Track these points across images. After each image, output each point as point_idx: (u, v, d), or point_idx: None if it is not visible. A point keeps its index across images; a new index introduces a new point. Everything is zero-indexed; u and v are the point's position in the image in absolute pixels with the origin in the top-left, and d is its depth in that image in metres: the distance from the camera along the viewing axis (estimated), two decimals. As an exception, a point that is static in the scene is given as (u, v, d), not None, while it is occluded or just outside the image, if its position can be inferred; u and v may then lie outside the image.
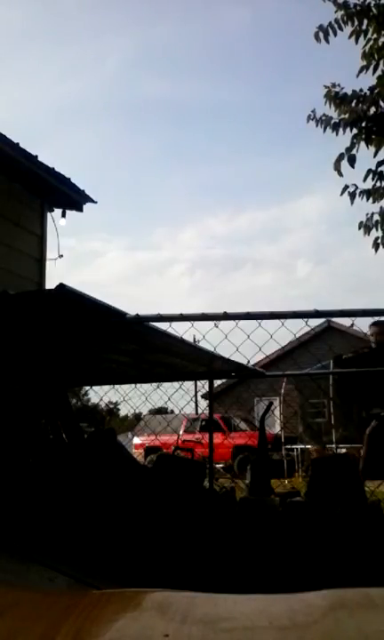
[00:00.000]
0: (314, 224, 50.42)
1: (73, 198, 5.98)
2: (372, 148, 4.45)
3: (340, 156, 4.39)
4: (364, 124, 4.43)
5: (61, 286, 2.77)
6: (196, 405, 15.63)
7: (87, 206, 6.24)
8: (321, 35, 4.37)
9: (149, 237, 64.07)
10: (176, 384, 5.09)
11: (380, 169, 4.45)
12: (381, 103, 4.49)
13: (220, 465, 10.55)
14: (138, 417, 14.45)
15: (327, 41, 4.37)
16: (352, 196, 4.51)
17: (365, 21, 4.41)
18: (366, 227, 4.56)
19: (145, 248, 61.59)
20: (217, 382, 7.07)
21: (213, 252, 54.87)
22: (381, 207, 4.54)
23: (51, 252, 6.00)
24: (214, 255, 55.41)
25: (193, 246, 57.87)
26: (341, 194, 4.53)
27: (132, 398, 6.31)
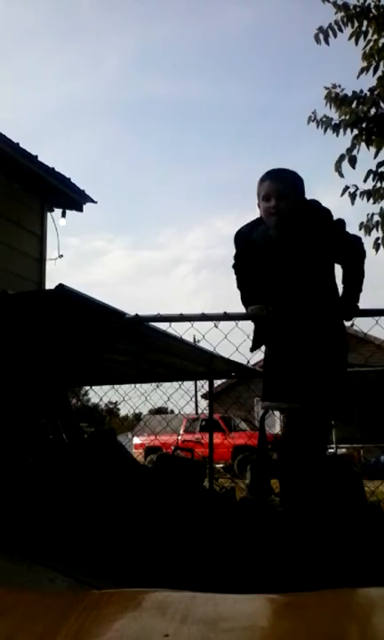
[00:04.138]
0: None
1: (73, 198, 5.99)
2: (373, 149, 4.46)
3: (341, 157, 4.40)
4: (364, 125, 4.44)
5: (61, 286, 2.77)
6: (196, 405, 15.65)
7: (89, 206, 6.25)
8: (321, 36, 4.37)
9: (154, 237, 64.24)
10: (176, 384, 5.10)
11: (380, 170, 4.46)
12: (382, 104, 4.50)
13: (220, 465, 10.55)
14: (138, 417, 14.46)
15: (327, 42, 4.37)
16: (352, 196, 4.52)
17: (365, 23, 4.41)
18: (367, 227, 4.57)
19: (150, 248, 61.77)
20: (217, 382, 7.08)
21: (219, 252, 54.89)
22: (382, 208, 4.54)
23: (52, 252, 6.02)
24: (220, 255, 55.39)
25: (199, 246, 57.96)
26: (342, 194, 4.54)
27: (131, 398, 6.32)
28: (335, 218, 2.63)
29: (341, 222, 2.64)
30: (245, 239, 2.71)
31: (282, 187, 2.53)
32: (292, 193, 2.54)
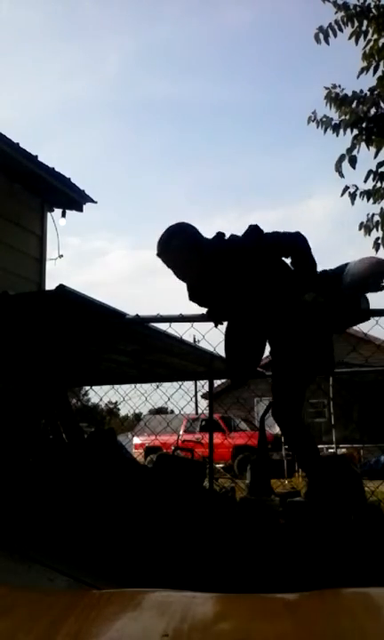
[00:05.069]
0: (320, 223, 50.44)
1: (73, 198, 5.99)
2: (373, 149, 4.46)
3: (341, 157, 4.40)
4: (364, 125, 4.43)
5: (61, 287, 2.78)
6: (196, 405, 15.64)
7: (90, 206, 6.25)
8: (321, 36, 4.37)
9: (156, 237, 64.00)
10: (176, 384, 5.10)
11: (380, 170, 4.45)
12: (382, 104, 4.50)
13: (220, 465, 10.55)
14: (138, 417, 14.46)
15: (327, 42, 4.37)
16: (352, 196, 4.51)
17: (365, 22, 4.41)
18: (367, 227, 4.57)
19: (151, 248, 61.65)
20: (217, 382, 7.07)
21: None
22: (382, 208, 4.54)
23: (52, 252, 6.02)
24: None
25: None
26: (342, 194, 4.54)
27: (132, 398, 6.31)
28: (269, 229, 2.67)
29: (254, 231, 2.65)
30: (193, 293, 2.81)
31: (176, 265, 2.63)
32: (188, 262, 2.61)
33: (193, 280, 2.63)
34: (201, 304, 2.85)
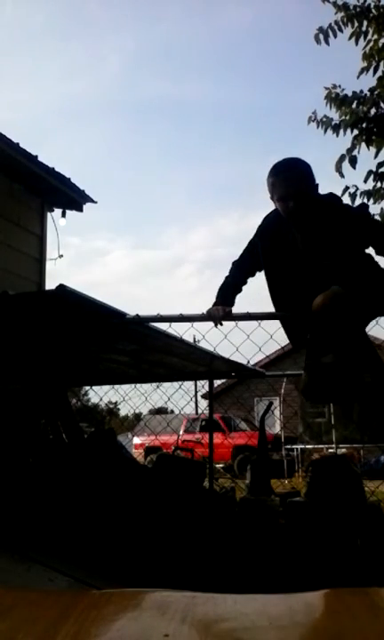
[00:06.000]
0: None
1: (73, 198, 5.99)
2: (373, 149, 4.46)
3: (341, 158, 4.40)
4: (364, 126, 4.44)
5: (61, 287, 2.78)
6: (196, 405, 15.66)
7: (91, 206, 6.26)
8: (321, 36, 4.37)
9: (157, 237, 64.35)
10: (176, 384, 5.10)
11: (380, 170, 4.45)
12: (382, 104, 4.50)
13: (220, 465, 10.55)
14: (138, 417, 14.46)
15: (327, 42, 4.37)
16: (353, 196, 4.51)
17: (365, 23, 4.41)
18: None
19: (152, 248, 61.96)
20: (217, 382, 7.08)
21: (222, 252, 54.92)
22: (382, 208, 4.55)
23: (52, 252, 6.02)
24: (223, 255, 55.47)
25: (202, 246, 58.08)
26: (342, 195, 4.53)
27: (132, 398, 6.31)
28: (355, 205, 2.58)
29: (365, 206, 2.59)
30: (271, 233, 2.63)
31: (295, 186, 2.42)
32: (306, 187, 2.44)
33: (296, 206, 2.41)
34: (267, 253, 2.63)
